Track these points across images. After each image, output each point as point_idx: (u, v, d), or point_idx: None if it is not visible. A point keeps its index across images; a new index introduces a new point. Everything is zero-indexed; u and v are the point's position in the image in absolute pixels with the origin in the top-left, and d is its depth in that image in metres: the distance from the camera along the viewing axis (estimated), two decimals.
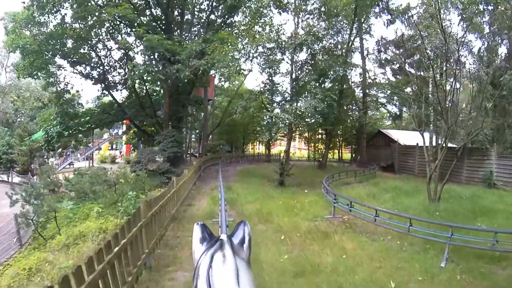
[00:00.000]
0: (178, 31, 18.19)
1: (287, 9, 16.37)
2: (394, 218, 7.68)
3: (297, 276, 4.72)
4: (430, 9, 18.12)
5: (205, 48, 11.98)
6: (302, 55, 14.16)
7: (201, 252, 0.92)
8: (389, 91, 18.48)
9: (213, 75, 26.73)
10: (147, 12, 18.17)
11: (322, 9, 15.31)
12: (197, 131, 29.28)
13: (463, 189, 14.35)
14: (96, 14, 15.00)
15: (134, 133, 24.46)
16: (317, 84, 13.32)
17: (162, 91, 19.34)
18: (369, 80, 24.56)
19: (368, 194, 12.24)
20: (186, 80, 17.77)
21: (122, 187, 8.68)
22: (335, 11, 16.92)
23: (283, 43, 12.18)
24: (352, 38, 20.42)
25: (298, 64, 13.58)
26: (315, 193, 11.77)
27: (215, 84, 29.30)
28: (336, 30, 20.80)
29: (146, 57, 16.63)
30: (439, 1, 14.22)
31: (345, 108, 22.50)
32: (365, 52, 25.44)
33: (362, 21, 22.39)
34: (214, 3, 18.43)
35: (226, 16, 19.30)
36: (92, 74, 19.67)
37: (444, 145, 11.53)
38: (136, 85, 21.10)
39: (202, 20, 19.89)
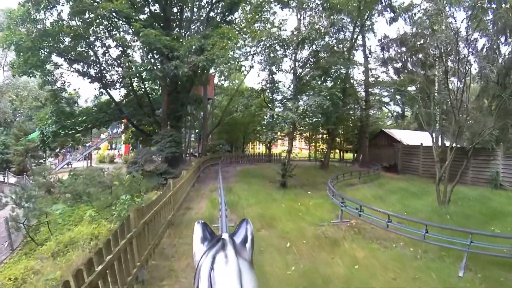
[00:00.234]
0: (177, 28, 17.69)
1: (288, 5, 15.87)
2: (405, 223, 7.20)
3: None
4: (434, 7, 17.67)
5: (204, 44, 11.48)
6: (305, 52, 13.68)
7: (202, 253, 0.88)
8: (393, 90, 17.95)
9: (212, 74, 26.31)
10: (146, 10, 17.69)
11: (325, 4, 14.79)
12: (196, 130, 28.78)
13: (470, 191, 13.94)
14: (93, 10, 14.51)
15: (132, 132, 23.94)
16: (320, 82, 12.78)
17: (161, 90, 18.85)
18: (371, 79, 24.09)
19: (374, 196, 11.76)
20: (185, 78, 17.25)
21: (117, 189, 8.18)
22: (338, 7, 16.43)
23: (286, 39, 11.67)
24: (355, 36, 19.92)
25: (301, 61, 13.06)
26: (319, 195, 11.29)
27: (215, 83, 28.86)
28: (339, 27, 20.31)
29: (144, 54, 16.18)
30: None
31: (348, 107, 21.99)
32: (367, 51, 24.99)
33: (365, 18, 21.89)
34: (214, 0, 17.95)
35: (226, 14, 18.82)
36: (89, 72, 19.17)
37: (453, 145, 11.06)
38: (135, 84, 20.68)
39: (202, 18, 19.40)
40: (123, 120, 24.21)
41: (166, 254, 5.24)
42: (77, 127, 20.07)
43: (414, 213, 9.97)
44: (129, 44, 17.92)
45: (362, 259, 5.63)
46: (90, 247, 7.21)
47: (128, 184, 7.99)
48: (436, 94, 15.44)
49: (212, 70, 24.11)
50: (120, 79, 19.97)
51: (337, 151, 30.84)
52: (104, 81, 19.53)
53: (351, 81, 22.56)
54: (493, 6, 20.30)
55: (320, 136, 30.14)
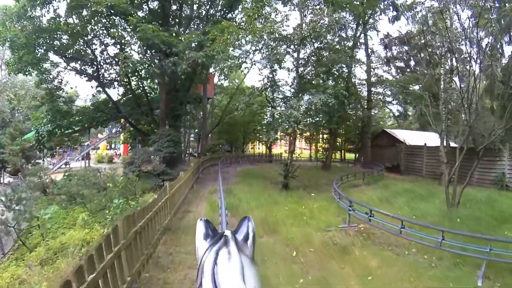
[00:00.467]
0: (176, 26, 17.23)
1: (290, 1, 15.44)
2: (415, 228, 6.77)
3: None
4: (439, 4, 17.26)
5: (203, 40, 11.03)
6: (308, 50, 13.19)
7: (205, 249, 0.90)
8: (397, 89, 17.52)
9: (212, 73, 25.85)
10: (144, 7, 17.24)
11: (328, 1, 14.35)
12: (196, 130, 28.32)
13: (477, 192, 13.52)
14: (89, 5, 14.06)
15: (130, 132, 23.45)
16: (323, 80, 12.31)
17: (159, 88, 18.40)
18: (374, 78, 23.69)
19: (380, 198, 11.31)
20: (184, 77, 16.86)
21: (111, 192, 7.71)
22: (341, 4, 16.00)
23: (289, 35, 11.20)
24: (358, 34, 19.47)
25: (303, 58, 12.58)
26: (323, 197, 10.84)
27: (215, 83, 28.43)
28: (341, 25, 19.85)
29: (142, 51, 15.71)
30: None
31: (350, 106, 21.52)
32: (370, 50, 24.57)
33: (369, 16, 21.46)
34: None
35: (226, 11, 18.39)
36: (86, 70, 18.72)
37: (463, 146, 10.61)
38: (133, 83, 20.24)
39: (201, 16, 18.95)
40: (122, 120, 23.74)
41: (161, 264, 4.78)
42: (73, 127, 19.62)
43: (423, 217, 9.55)
44: (127, 41, 17.52)
45: (375, 269, 5.18)
46: (81, 254, 6.77)
47: (123, 186, 7.53)
48: (442, 93, 15.06)
49: (211, 70, 23.69)
50: (118, 78, 19.51)
51: (338, 151, 30.44)
52: (101, 80, 19.07)
53: (353, 80, 22.12)
54: (497, 5, 19.87)
55: (321, 136, 29.74)
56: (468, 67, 11.69)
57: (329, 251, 5.64)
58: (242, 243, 0.94)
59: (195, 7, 19.13)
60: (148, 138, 15.87)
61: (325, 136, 28.93)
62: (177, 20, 18.10)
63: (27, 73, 17.68)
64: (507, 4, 17.25)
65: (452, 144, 16.20)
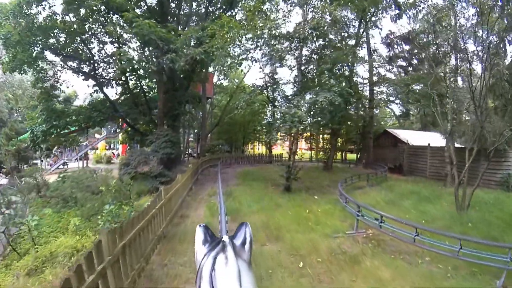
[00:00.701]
0: (175, 24, 16.77)
1: None
2: (426, 234, 6.35)
3: None
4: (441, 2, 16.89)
5: (202, 37, 10.59)
6: (310, 48, 12.75)
7: (204, 254, 0.93)
8: (401, 87, 17.09)
9: (212, 73, 25.42)
10: (142, 4, 16.78)
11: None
12: (195, 130, 27.87)
13: (484, 194, 13.13)
14: (86, 2, 13.63)
15: (127, 132, 22.98)
16: (327, 77, 11.86)
17: (157, 87, 17.95)
18: (375, 78, 23.30)
19: (386, 201, 10.88)
20: (182, 76, 16.44)
21: (104, 195, 7.27)
22: (342, 2, 15.59)
23: (291, 31, 10.79)
24: (361, 31, 19.04)
25: (306, 55, 12.15)
26: (327, 200, 10.40)
27: (214, 82, 28.01)
28: (343, 23, 19.45)
29: (140, 49, 15.30)
30: None
31: (352, 105, 21.10)
32: (372, 49, 24.14)
33: (371, 14, 21.04)
34: None
35: (226, 9, 17.95)
36: (83, 69, 18.25)
37: (473, 146, 10.20)
38: (131, 82, 19.79)
39: (200, 14, 18.50)
40: (119, 120, 23.27)
41: (155, 277, 4.33)
42: (69, 127, 19.15)
43: (432, 221, 9.13)
44: (125, 40, 17.11)
45: (388, 281, 4.75)
46: (71, 263, 6.32)
47: (116, 189, 7.08)
48: (448, 92, 14.66)
49: (211, 69, 23.26)
50: (115, 76, 19.04)
51: (339, 151, 30.00)
52: (98, 79, 18.59)
53: (355, 79, 21.70)
54: (499, 3, 19.44)
55: (321, 136, 29.31)
56: (473, 66, 11.31)
57: (338, 261, 5.20)
58: (240, 248, 0.95)
59: (194, 5, 18.70)
60: (145, 139, 15.41)
61: (325, 136, 28.55)
62: (175, 19, 17.65)
63: (22, 72, 17.28)
64: (511, 3, 16.83)
65: (456, 145, 15.88)
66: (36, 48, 16.19)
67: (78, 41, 17.11)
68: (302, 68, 12.48)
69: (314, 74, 12.28)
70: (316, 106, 9.06)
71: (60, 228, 10.05)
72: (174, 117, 16.58)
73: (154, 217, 4.81)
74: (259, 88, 12.12)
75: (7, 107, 37.41)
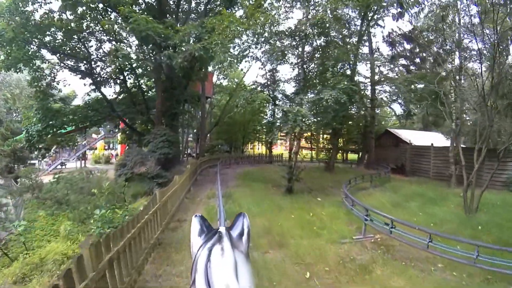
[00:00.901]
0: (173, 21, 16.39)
1: None
2: (438, 239, 5.99)
3: None
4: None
5: (202, 33, 10.20)
6: (313, 44, 12.35)
7: (199, 245, 0.90)
8: (404, 86, 16.70)
9: (211, 72, 25.06)
10: (140, 1, 16.40)
11: None
12: (194, 130, 27.48)
13: (491, 195, 12.76)
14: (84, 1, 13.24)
15: (124, 132, 22.55)
16: (332, 73, 11.45)
17: (155, 86, 17.55)
18: (377, 76, 22.94)
19: (391, 203, 10.49)
20: (181, 74, 16.06)
21: (95, 199, 6.87)
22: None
23: (293, 27, 10.40)
24: (363, 29, 18.66)
25: (309, 52, 11.75)
26: (330, 202, 10.01)
27: (214, 82, 27.64)
28: (344, 22, 19.08)
29: (138, 47, 14.90)
30: None
31: (354, 105, 20.71)
32: (376, 47, 23.78)
33: (374, 12, 20.68)
34: None
35: (226, 6, 17.57)
36: (80, 67, 17.85)
37: (481, 146, 9.83)
38: (130, 81, 19.41)
39: (200, 12, 18.14)
40: (117, 119, 22.84)
41: None
42: (65, 126, 18.73)
43: (441, 224, 8.76)
44: (122, 38, 16.70)
45: None
46: (60, 271, 5.93)
47: (110, 192, 6.69)
48: (453, 91, 14.30)
49: (210, 68, 22.88)
50: (112, 75, 18.63)
51: (340, 151, 29.61)
52: (95, 77, 18.17)
53: (356, 78, 21.34)
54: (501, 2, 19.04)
55: (321, 136, 28.92)
56: (476, 64, 10.94)
57: (347, 270, 4.81)
58: (237, 240, 0.93)
59: (193, 3, 18.35)
60: (143, 138, 15.00)
61: (325, 136, 28.17)
62: (174, 16, 17.28)
63: (18, 70, 16.88)
64: None
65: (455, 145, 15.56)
66: (32, 46, 15.82)
67: (75, 40, 16.72)
68: (305, 66, 12.08)
69: (317, 72, 11.88)
70: (321, 104, 8.65)
71: (54, 231, 9.67)
72: (172, 116, 16.19)
73: (147, 223, 4.41)
74: (260, 85, 11.73)
75: (5, 107, 36.97)
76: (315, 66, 12.45)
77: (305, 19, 10.20)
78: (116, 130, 27.13)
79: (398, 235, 5.97)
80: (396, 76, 21.23)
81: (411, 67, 25.27)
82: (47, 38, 15.92)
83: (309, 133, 26.97)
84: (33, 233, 9.93)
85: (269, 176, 15.58)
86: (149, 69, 17.70)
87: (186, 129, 26.27)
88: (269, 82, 11.45)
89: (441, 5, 17.18)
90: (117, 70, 16.17)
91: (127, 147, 28.04)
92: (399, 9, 23.67)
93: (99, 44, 17.78)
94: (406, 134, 24.24)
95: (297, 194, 11.10)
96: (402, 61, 26.27)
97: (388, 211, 9.14)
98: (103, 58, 18.14)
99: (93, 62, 17.97)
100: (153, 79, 17.86)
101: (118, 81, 18.98)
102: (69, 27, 15.37)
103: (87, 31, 16.61)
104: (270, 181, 13.97)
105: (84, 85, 18.57)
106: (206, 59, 11.00)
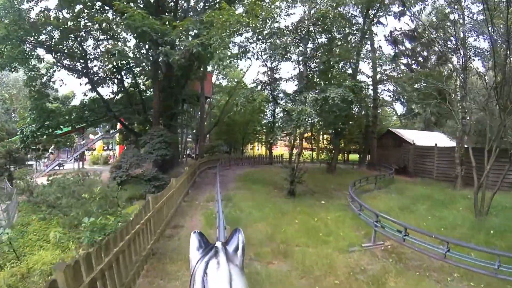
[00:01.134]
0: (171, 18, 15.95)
1: None
2: (447, 245, 5.57)
3: None
4: None
5: (200, 29, 9.77)
6: (315, 41, 11.94)
7: (197, 259, 0.96)
8: (409, 85, 16.30)
9: (210, 72, 24.64)
10: None
11: None
12: (193, 130, 27.04)
13: (500, 197, 12.33)
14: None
15: (121, 132, 22.09)
16: (338, 71, 11.02)
17: (152, 85, 17.10)
18: (379, 75, 22.55)
19: (398, 206, 10.06)
20: (179, 73, 15.64)
21: (85, 204, 6.43)
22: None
23: (295, 23, 10.02)
24: (365, 27, 18.25)
25: (313, 48, 11.33)
26: (335, 205, 9.59)
27: (213, 82, 27.22)
28: (346, 20, 18.69)
29: (135, 46, 14.49)
30: None
31: (356, 104, 20.30)
32: (378, 46, 23.43)
33: (376, 9, 20.30)
34: None
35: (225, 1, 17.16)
36: (76, 66, 17.41)
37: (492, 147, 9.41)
38: (128, 81, 19.00)
39: (199, 10, 17.70)
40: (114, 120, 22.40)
41: None
42: (61, 127, 18.28)
43: (451, 229, 8.34)
44: (119, 36, 16.29)
45: None
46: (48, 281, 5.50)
47: (101, 197, 6.25)
48: (459, 89, 13.92)
49: (209, 68, 22.48)
50: (110, 75, 18.20)
51: (341, 152, 29.19)
52: (91, 77, 17.72)
53: (358, 77, 20.92)
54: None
55: (321, 136, 28.48)
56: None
57: (359, 283, 4.38)
58: (232, 254, 0.97)
59: (192, 1, 17.93)
60: (139, 139, 14.56)
61: (325, 136, 27.74)
62: (172, 15, 16.86)
63: (13, 70, 16.46)
64: None
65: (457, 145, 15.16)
66: (27, 45, 15.40)
67: (72, 38, 16.30)
68: (308, 63, 11.64)
69: (320, 70, 11.46)
70: (328, 103, 8.21)
71: (47, 236, 9.24)
72: (171, 116, 15.75)
73: (138, 234, 3.98)
74: (261, 83, 11.28)
75: (2, 108, 36.49)
76: (318, 64, 12.03)
77: (308, 15, 9.77)
78: (113, 131, 26.68)
79: (411, 243, 5.55)
80: (399, 75, 20.84)
81: (414, 66, 24.97)
82: (43, 37, 15.51)
83: (309, 133, 26.53)
84: (26, 237, 9.53)
85: (270, 177, 15.14)
86: (146, 69, 17.30)
87: (185, 130, 25.85)
88: (270, 80, 11.01)
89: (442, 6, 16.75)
90: (114, 69, 15.71)
91: (125, 148, 27.62)
92: (400, 8, 23.38)
93: (96, 43, 17.37)
94: (408, 134, 23.86)
95: (300, 197, 10.67)
96: (404, 60, 25.98)
97: (396, 215, 8.74)
98: (100, 58, 17.72)
99: (89, 61, 17.54)
100: (150, 79, 17.45)
101: (116, 81, 18.57)
102: (66, 26, 14.96)
103: (84, 30, 16.21)
104: (271, 183, 13.53)
105: (80, 84, 18.10)
106: (204, 56, 10.57)
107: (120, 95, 19.31)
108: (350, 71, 18.07)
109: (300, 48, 10.46)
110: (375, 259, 5.46)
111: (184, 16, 17.34)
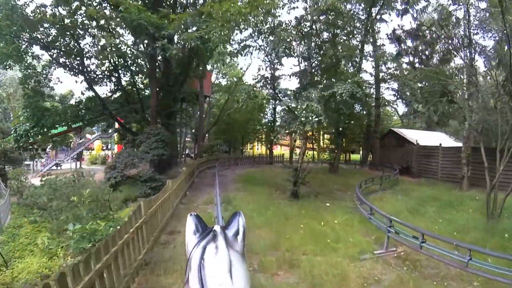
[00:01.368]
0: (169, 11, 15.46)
1: None
2: (462, 251, 5.15)
3: None
4: None
5: (200, 22, 9.31)
6: (317, 39, 11.48)
7: (194, 244, 0.91)
8: (414, 83, 15.89)
9: (210, 71, 24.14)
10: None
11: None
12: (193, 130, 26.57)
13: (510, 199, 11.95)
14: None
15: (118, 131, 21.60)
16: (345, 67, 10.57)
17: (149, 83, 16.61)
18: (381, 74, 22.16)
19: (407, 208, 9.63)
20: (178, 72, 15.16)
21: (77, 208, 5.97)
22: None
23: (298, 17, 9.57)
24: (368, 26, 17.84)
25: (317, 44, 10.86)
26: (340, 208, 9.13)
27: (212, 81, 26.75)
28: (349, 17, 18.29)
29: (133, 42, 14.00)
30: None
31: (359, 103, 19.85)
32: (382, 44, 22.98)
33: (379, 6, 19.88)
34: None
35: None
36: (72, 63, 16.92)
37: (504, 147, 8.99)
38: (126, 79, 18.52)
39: (198, 4, 17.21)
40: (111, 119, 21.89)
41: None
42: (57, 126, 17.78)
43: (464, 233, 7.94)
44: (118, 34, 15.79)
45: None
46: None
47: (92, 200, 5.79)
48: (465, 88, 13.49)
49: (209, 67, 22.02)
50: (107, 72, 17.71)
51: (343, 152, 28.75)
52: (88, 75, 17.21)
53: (361, 75, 20.50)
54: None
55: (323, 135, 28.02)
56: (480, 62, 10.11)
57: None
58: (232, 239, 0.94)
59: None
60: (136, 138, 14.07)
61: (326, 136, 27.28)
62: (171, 10, 16.36)
63: (7, 67, 15.97)
64: None
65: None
66: (22, 42, 14.92)
67: (69, 36, 15.80)
68: (312, 59, 11.15)
69: (324, 66, 11.00)
70: (336, 99, 7.73)
71: (34, 240, 8.80)
72: (169, 115, 15.26)
73: (127, 244, 3.52)
74: (263, 79, 10.82)
75: (0, 107, 36.01)
76: (323, 60, 11.55)
77: (311, 8, 9.32)
78: (111, 131, 26.19)
79: (426, 249, 5.11)
80: (403, 73, 20.43)
81: (417, 65, 24.57)
82: (39, 34, 15.03)
83: (310, 133, 26.10)
84: (17, 241, 9.07)
85: (271, 178, 14.69)
86: (144, 66, 16.81)
87: (184, 129, 25.37)
88: (273, 73, 10.51)
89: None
90: (112, 67, 15.21)
91: (123, 147, 27.12)
92: (404, 6, 22.97)
93: (93, 41, 16.87)
94: (411, 134, 23.45)
95: (304, 199, 10.21)
96: (406, 59, 25.58)
97: (405, 217, 8.31)
98: (97, 55, 17.20)
99: (85, 59, 17.04)
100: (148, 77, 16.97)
101: (113, 79, 18.09)
102: (62, 23, 14.49)
103: (81, 27, 15.72)
104: (272, 184, 13.07)
105: (76, 82, 17.53)
106: (203, 51, 10.10)
107: (117, 94, 18.83)
108: (352, 69, 17.66)
109: (304, 42, 9.98)
110: (389, 268, 5.01)
111: (183, 11, 16.89)
